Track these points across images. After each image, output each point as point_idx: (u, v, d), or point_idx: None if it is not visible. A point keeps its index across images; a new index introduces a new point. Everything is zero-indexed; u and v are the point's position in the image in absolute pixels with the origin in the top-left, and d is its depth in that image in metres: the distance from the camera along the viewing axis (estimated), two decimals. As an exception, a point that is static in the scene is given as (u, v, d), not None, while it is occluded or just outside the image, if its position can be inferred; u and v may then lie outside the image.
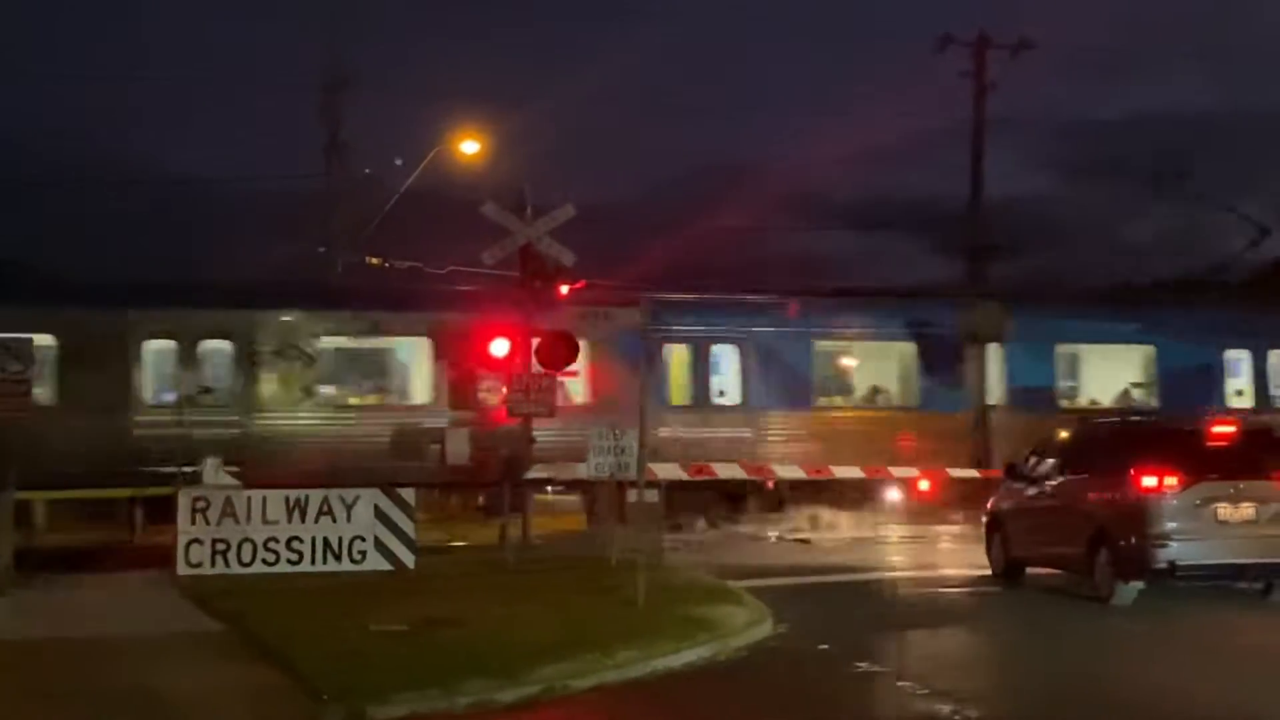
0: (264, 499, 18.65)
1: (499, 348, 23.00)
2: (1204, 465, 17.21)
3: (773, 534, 26.86)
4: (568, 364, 22.74)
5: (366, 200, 37.16)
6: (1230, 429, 18.09)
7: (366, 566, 18.57)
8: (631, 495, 18.80)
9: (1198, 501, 16.98)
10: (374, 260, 35.44)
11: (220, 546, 18.38)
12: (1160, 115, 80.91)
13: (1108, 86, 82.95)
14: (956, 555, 23.56)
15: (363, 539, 18.70)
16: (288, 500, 18.64)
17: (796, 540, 26.28)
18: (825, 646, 14.26)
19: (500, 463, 23.43)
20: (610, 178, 67.84)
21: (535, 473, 23.79)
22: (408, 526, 18.91)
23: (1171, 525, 16.90)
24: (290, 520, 18.58)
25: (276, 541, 18.49)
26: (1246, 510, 17.02)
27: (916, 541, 26.44)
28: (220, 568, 18.28)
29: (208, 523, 18.39)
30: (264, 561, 18.41)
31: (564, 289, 24.19)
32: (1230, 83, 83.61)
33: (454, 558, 21.89)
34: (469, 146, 32.24)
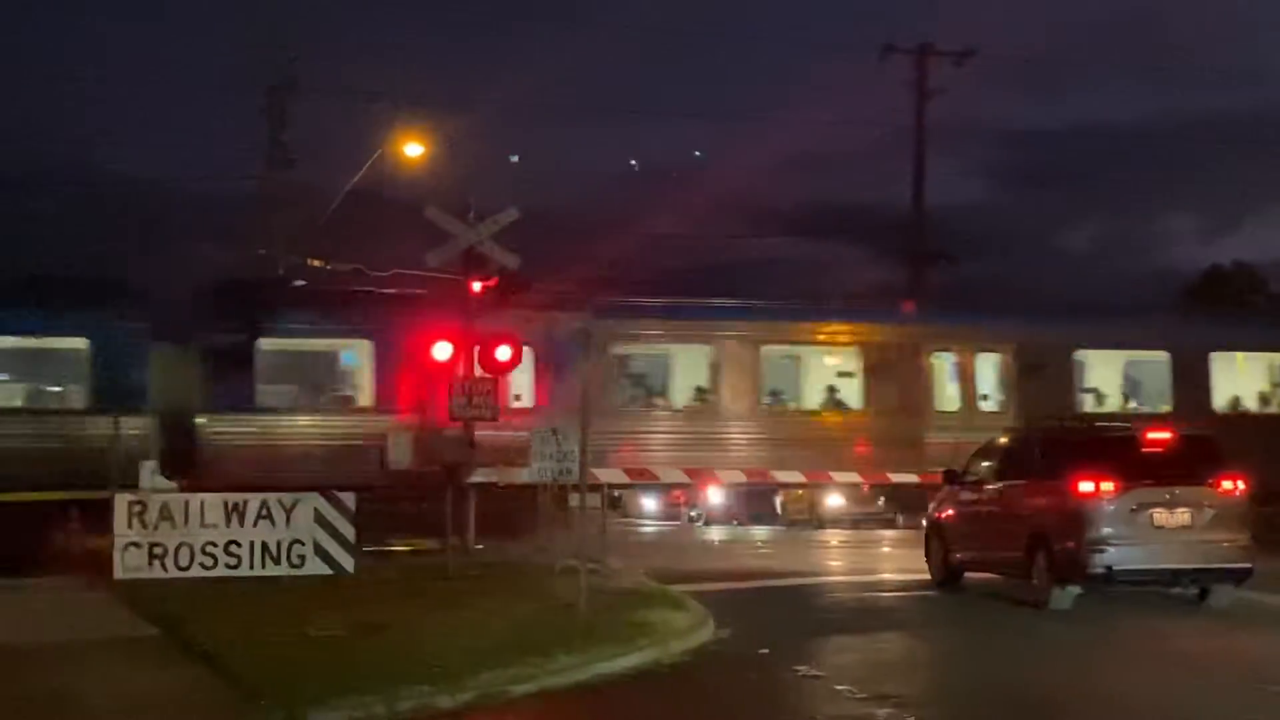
0: (202, 503, 18.48)
1: (442, 351, 22.90)
2: (1140, 471, 17.40)
3: (717, 536, 26.93)
4: (511, 368, 22.68)
5: (309, 203, 36.96)
6: (1166, 435, 18.29)
7: (305, 571, 18.43)
8: (574, 499, 18.75)
9: (1134, 507, 17.17)
10: (316, 262, 35.19)
11: (157, 550, 18.18)
12: (1099, 124, 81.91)
13: (1048, 95, 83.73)
14: (896, 560, 23.70)
15: (302, 543, 18.56)
16: (226, 504, 18.47)
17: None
18: (766, 651, 14.31)
19: (443, 468, 23.32)
20: (550, 181, 67.69)
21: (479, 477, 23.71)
22: (347, 531, 18.80)
23: (1108, 530, 17.08)
24: (229, 524, 18.41)
25: (214, 545, 18.32)
26: (1182, 516, 17.21)
27: (857, 546, 26.57)
28: (157, 572, 18.08)
29: (144, 526, 18.19)
30: (202, 565, 18.23)
31: (508, 292, 24.12)
32: (1166, 90, 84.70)
33: (395, 563, 21.78)
34: (412, 149, 32.09)
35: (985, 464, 20.08)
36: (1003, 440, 20.28)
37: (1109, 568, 17.02)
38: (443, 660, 12.40)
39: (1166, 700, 11.59)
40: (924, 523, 21.70)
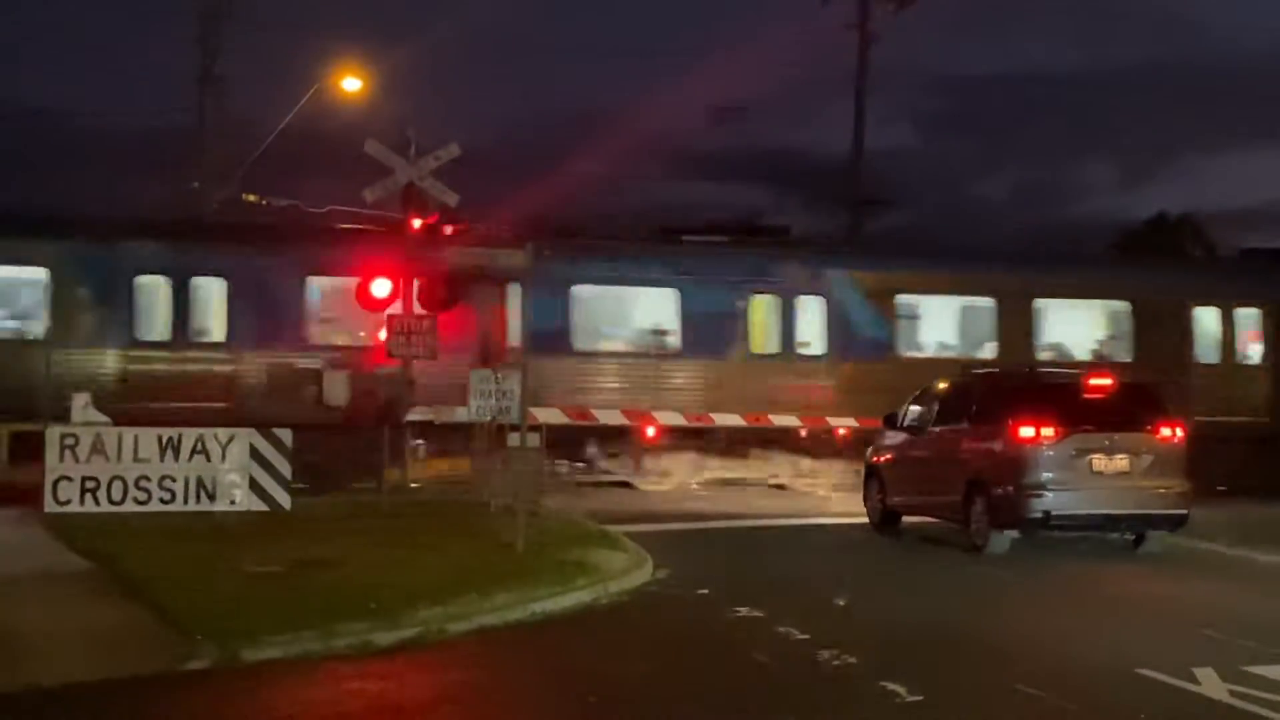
0: (135, 437, 18.19)
1: (380, 288, 22.66)
2: (1080, 417, 17.48)
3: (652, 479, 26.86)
4: (450, 306, 22.48)
5: (243, 137, 36.38)
6: (1107, 382, 18.37)
7: (241, 507, 18.24)
8: (513, 439, 18.62)
9: (1073, 452, 17.25)
10: (251, 197, 34.67)
11: (90, 484, 17.92)
12: (1028, 73, 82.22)
13: (980, 43, 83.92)
14: (836, 503, 23.76)
15: (237, 479, 18.36)
16: (160, 439, 18.21)
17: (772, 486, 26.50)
18: (705, 592, 14.28)
19: (379, 406, 23.13)
20: (486, 119, 67.30)
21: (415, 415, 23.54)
22: (283, 467, 18.60)
23: (1047, 475, 17.17)
24: (163, 459, 18.16)
25: (148, 480, 18.07)
26: (1121, 462, 17.32)
27: (796, 489, 26.61)
28: (90, 505, 17.83)
29: (77, 460, 17.92)
30: (135, 500, 17.98)
31: (447, 229, 23.90)
32: (1101, 39, 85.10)
33: (331, 500, 21.58)
34: (350, 84, 31.60)
35: (925, 408, 20.12)
36: (943, 385, 20.32)
37: (1046, 512, 17.12)
38: (380, 598, 12.29)
39: (1100, 642, 11.65)
40: (862, 467, 21.74)
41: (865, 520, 20.79)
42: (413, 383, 22.64)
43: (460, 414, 20.97)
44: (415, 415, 23.57)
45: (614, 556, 15.67)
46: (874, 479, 20.91)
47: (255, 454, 18.45)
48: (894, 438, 20.72)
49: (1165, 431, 17.61)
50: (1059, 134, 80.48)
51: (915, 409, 20.46)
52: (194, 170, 37.13)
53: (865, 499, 21.15)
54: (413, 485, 23.28)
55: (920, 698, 9.36)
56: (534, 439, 19.00)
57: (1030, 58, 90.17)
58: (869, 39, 39.75)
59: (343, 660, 10.67)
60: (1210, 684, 9.71)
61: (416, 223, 23.60)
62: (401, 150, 22.98)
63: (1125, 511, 17.37)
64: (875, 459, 21.12)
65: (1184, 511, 17.45)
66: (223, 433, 18.45)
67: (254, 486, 18.39)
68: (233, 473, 18.34)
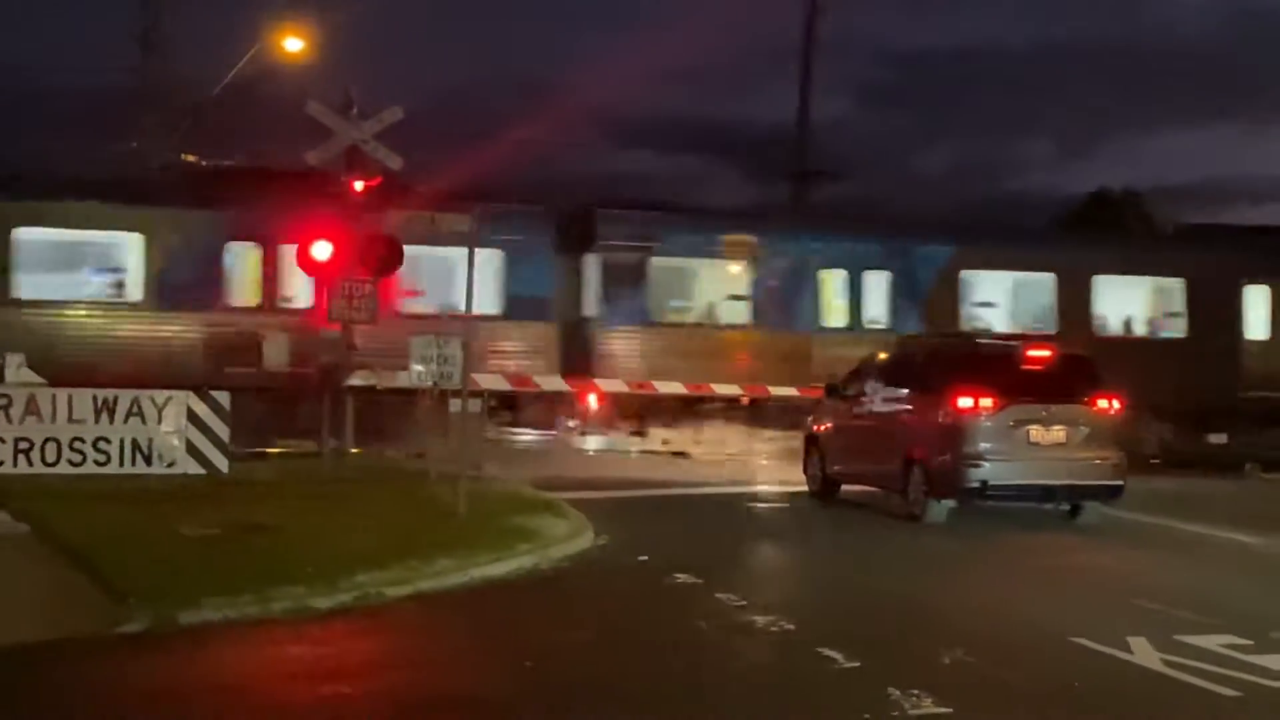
0: (70, 398, 18.04)
1: (320, 251, 22.42)
2: (1018, 388, 17.59)
3: (592, 446, 26.89)
4: (392, 270, 22.30)
5: (185, 97, 35.97)
6: (1045, 353, 18.49)
7: (177, 470, 18.13)
8: (454, 405, 18.57)
9: (1011, 423, 17.37)
10: (190, 157, 34.31)
11: (23, 445, 17.79)
12: (972, 48, 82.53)
13: (927, 17, 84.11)
14: (775, 471, 23.85)
15: (174, 442, 18.21)
16: (95, 400, 18.06)
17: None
18: (645, 558, 14.31)
19: (319, 369, 22.96)
20: (428, 83, 66.81)
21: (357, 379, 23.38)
22: (221, 430, 18.47)
23: (984, 446, 17.29)
24: (98, 420, 18.02)
25: (83, 442, 17.94)
26: (1058, 433, 17.47)
27: (737, 458, 26.69)
28: (23, 467, 17.68)
29: (10, 421, 17.75)
30: (69, 462, 17.85)
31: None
32: (1043, 17, 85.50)
33: (270, 464, 21.47)
34: (292, 44, 31.24)
35: (866, 379, 20.19)
36: (883, 355, 20.39)
37: (984, 482, 17.24)
38: (319, 562, 12.23)
39: (1036, 611, 11.76)
40: (803, 435, 21.82)
41: (805, 489, 20.88)
42: (353, 347, 22.46)
43: (401, 379, 20.86)
44: (356, 380, 23.41)
45: (555, 523, 15.66)
46: (814, 448, 20.99)
47: (193, 417, 18.33)
48: (834, 407, 20.79)
49: (1102, 403, 17.76)
50: (1000, 109, 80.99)
51: (857, 378, 20.53)
52: (134, 130, 36.71)
53: (805, 468, 21.24)
54: (353, 451, 23.14)
55: (857, 664, 9.42)
56: (475, 404, 18.96)
57: (975, 33, 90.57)
58: (816, 10, 39.80)
59: (280, 624, 10.62)
60: (1143, 653, 9.80)
61: (359, 185, 23.35)
62: (344, 112, 22.74)
63: (1061, 482, 17.52)
64: (815, 428, 21.19)
65: (1119, 482, 17.61)
66: (159, 395, 18.31)
67: (191, 450, 18.28)
68: (170, 435, 18.20)
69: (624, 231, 27.16)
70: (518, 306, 26.12)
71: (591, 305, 27.20)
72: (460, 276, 17.51)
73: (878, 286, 28.48)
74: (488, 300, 24.57)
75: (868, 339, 25.15)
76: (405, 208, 23.22)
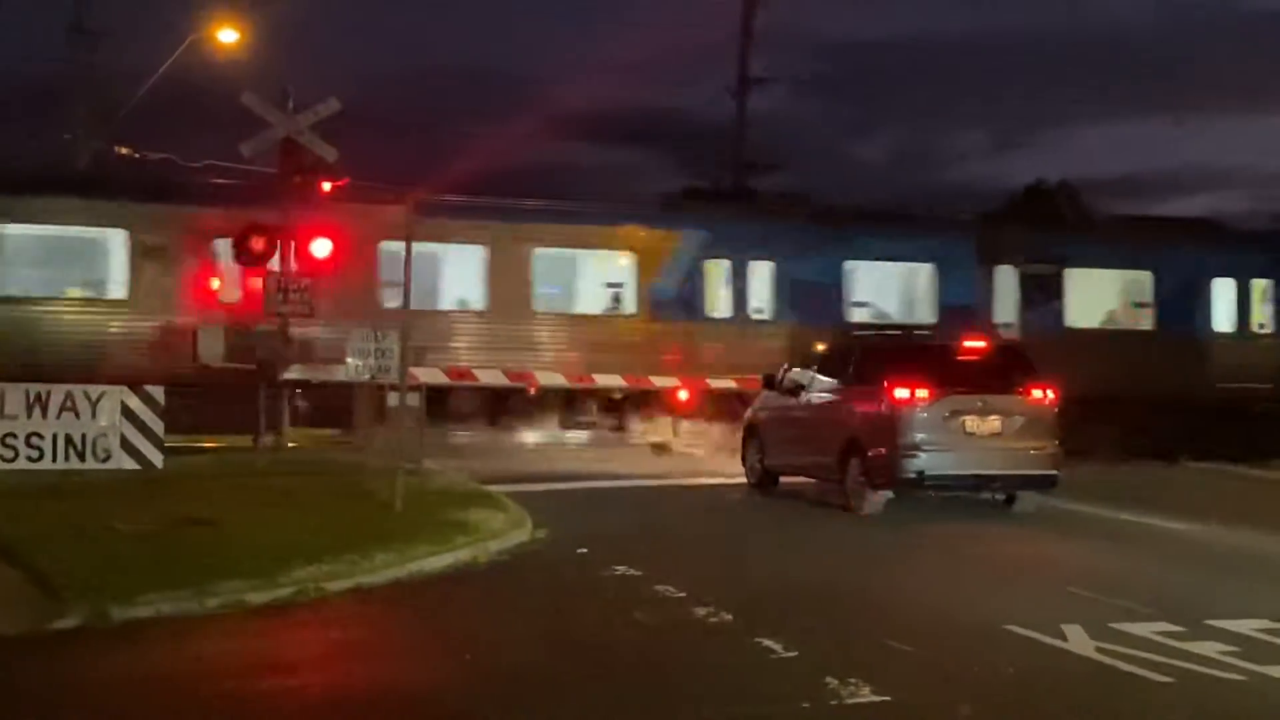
0: (2, 392, 17.78)
1: (259, 245, 22.25)
2: (954, 379, 17.74)
3: (530, 439, 26.85)
4: (328, 264, 22.19)
5: (117, 87, 35.52)
6: (980, 345, 18.65)
7: (112, 465, 17.91)
8: (392, 398, 18.49)
9: (947, 414, 17.51)
10: (124, 150, 33.90)
11: (-45, 442, 17.52)
12: (913, 38, 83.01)
13: (866, 8, 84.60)
14: (714, 463, 23.91)
15: (108, 437, 18.01)
16: (28, 395, 17.80)
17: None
18: (584, 550, 14.32)
19: (255, 364, 22.79)
20: (366, 75, 66.24)
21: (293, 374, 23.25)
22: (156, 425, 18.28)
23: (921, 436, 17.41)
24: (30, 415, 17.74)
25: (14, 437, 17.67)
26: (993, 423, 17.62)
27: (677, 450, 26.73)
28: (-47, 464, 17.42)
29: (-61, 417, 17.49)
30: (1, 458, 17.59)
31: (326, 186, 23.56)
32: (981, 8, 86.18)
33: (206, 459, 21.30)
34: (227, 35, 30.96)
35: (804, 370, 20.29)
36: (821, 347, 20.50)
37: (920, 473, 17.37)
38: (256, 557, 12.14)
39: (971, 599, 11.87)
40: (741, 427, 21.89)
41: (744, 480, 20.95)
42: (290, 341, 22.31)
43: (339, 373, 20.75)
44: (293, 374, 23.28)
45: (494, 516, 15.63)
46: (753, 439, 21.06)
47: (127, 411, 18.12)
48: (773, 399, 20.88)
49: (1036, 393, 17.93)
50: (938, 99, 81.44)
51: (794, 370, 20.63)
52: (67, 121, 36.21)
53: (744, 459, 21.31)
54: (290, 445, 23.01)
55: (794, 653, 9.47)
56: (414, 398, 18.88)
57: (913, 24, 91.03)
58: (755, 1, 39.84)
59: (217, 619, 10.56)
60: (1078, 641, 9.92)
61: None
62: (280, 104, 22.59)
63: (997, 472, 17.67)
64: (754, 419, 21.27)
65: (1054, 472, 17.79)
66: (93, 389, 18.10)
67: (125, 445, 18.06)
68: (104, 430, 18.00)
69: (1039, 245, 29.62)
70: (948, 315, 27.43)
71: (1009, 313, 28.91)
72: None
73: None
74: (924, 310, 28.31)
75: None
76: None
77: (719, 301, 27.82)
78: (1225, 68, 71.79)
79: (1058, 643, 9.90)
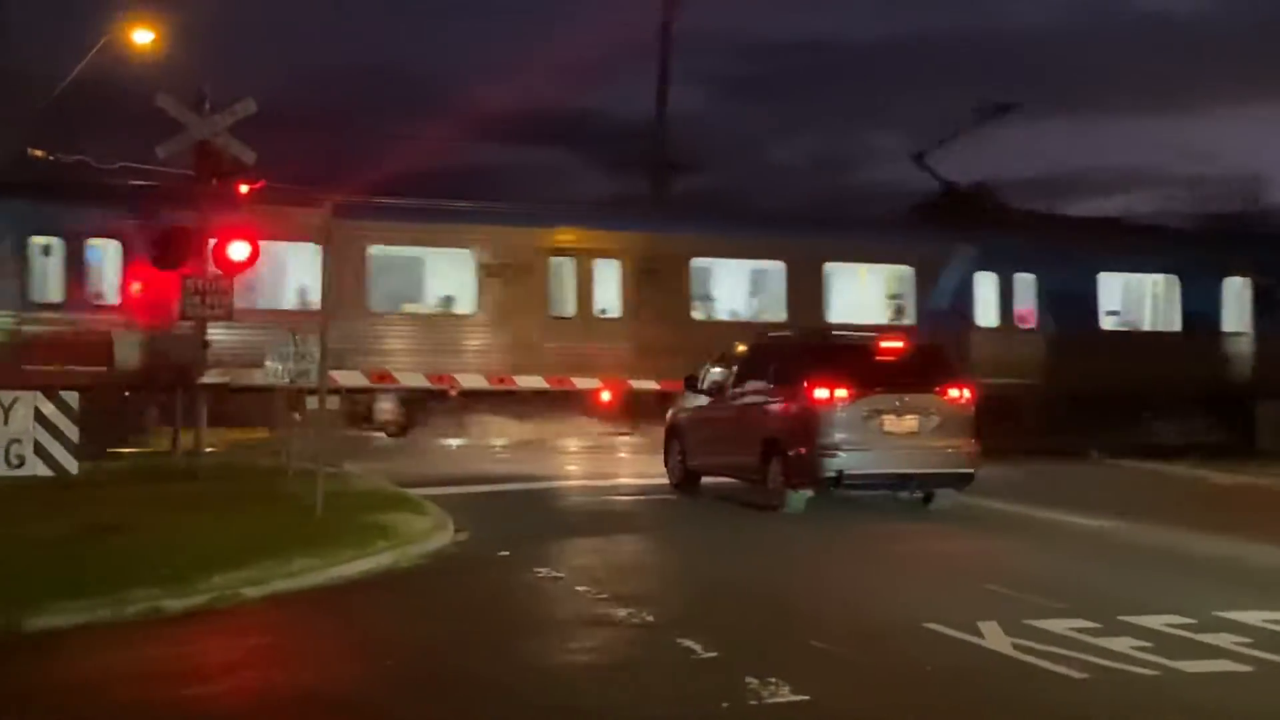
0: (-88, 400, 17.50)
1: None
2: (872, 379, 17.88)
3: (454, 442, 26.79)
4: (246, 266, 22.00)
5: (29, 89, 34.96)
6: (898, 345, 18.81)
7: (25, 472, 17.66)
8: (311, 402, 18.37)
9: (865, 413, 17.64)
10: (38, 153, 33.38)
11: None
12: (830, 39, 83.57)
13: (785, 10, 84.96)
14: (637, 464, 23.95)
15: (21, 443, 17.75)
16: (-62, 402, 17.53)
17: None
18: (506, 553, 14.30)
19: (172, 368, 22.58)
20: (282, 76, 65.67)
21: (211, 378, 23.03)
22: (70, 431, 18.04)
23: (840, 436, 17.53)
24: (-60, 422, 17.49)
25: (-74, 445, 17.41)
26: (910, 422, 17.77)
27: (597, 451, 26.77)
28: None
29: None
30: (-88, 466, 17.31)
31: (243, 188, 23.37)
32: (898, 10, 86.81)
33: (122, 465, 21.06)
34: (142, 36, 30.54)
35: (724, 370, 20.37)
36: (741, 348, 20.59)
37: (840, 472, 17.50)
38: (173, 563, 12.02)
39: (890, 598, 11.96)
40: (664, 428, 21.93)
41: (666, 481, 20.99)
42: (207, 344, 22.10)
43: (258, 376, 20.59)
44: (211, 378, 23.06)
45: (415, 519, 15.57)
46: (675, 440, 21.12)
47: (40, 417, 17.88)
48: (694, 399, 20.95)
49: (953, 393, 18.11)
50: (856, 101, 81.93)
51: (715, 371, 20.71)
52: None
53: (666, 460, 21.35)
54: (208, 449, 22.79)
55: (715, 653, 9.50)
56: (334, 401, 18.78)
57: (830, 25, 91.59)
58: (674, 2, 39.97)
59: (134, 627, 10.44)
60: (994, 637, 10.01)
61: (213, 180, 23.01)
62: (196, 106, 22.36)
63: (915, 470, 17.84)
64: (676, 420, 21.33)
65: (971, 470, 17.97)
66: (5, 395, 17.84)
67: (39, 451, 17.82)
68: (17, 437, 17.74)
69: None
70: (1191, 322, 31.22)
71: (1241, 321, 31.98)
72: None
73: None
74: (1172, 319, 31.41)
75: None
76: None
77: (989, 311, 30.44)
78: (1133, 69, 72.89)
79: (975, 640, 9.99)
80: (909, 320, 29.27)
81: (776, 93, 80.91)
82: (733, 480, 19.63)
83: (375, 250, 26.78)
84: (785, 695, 8.39)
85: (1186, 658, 9.39)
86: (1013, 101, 35.59)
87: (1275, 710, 8.43)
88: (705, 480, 20.41)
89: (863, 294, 30.21)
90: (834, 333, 22.50)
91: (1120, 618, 10.60)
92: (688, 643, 9.76)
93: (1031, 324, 30.56)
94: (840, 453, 17.47)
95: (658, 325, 27.58)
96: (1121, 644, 9.74)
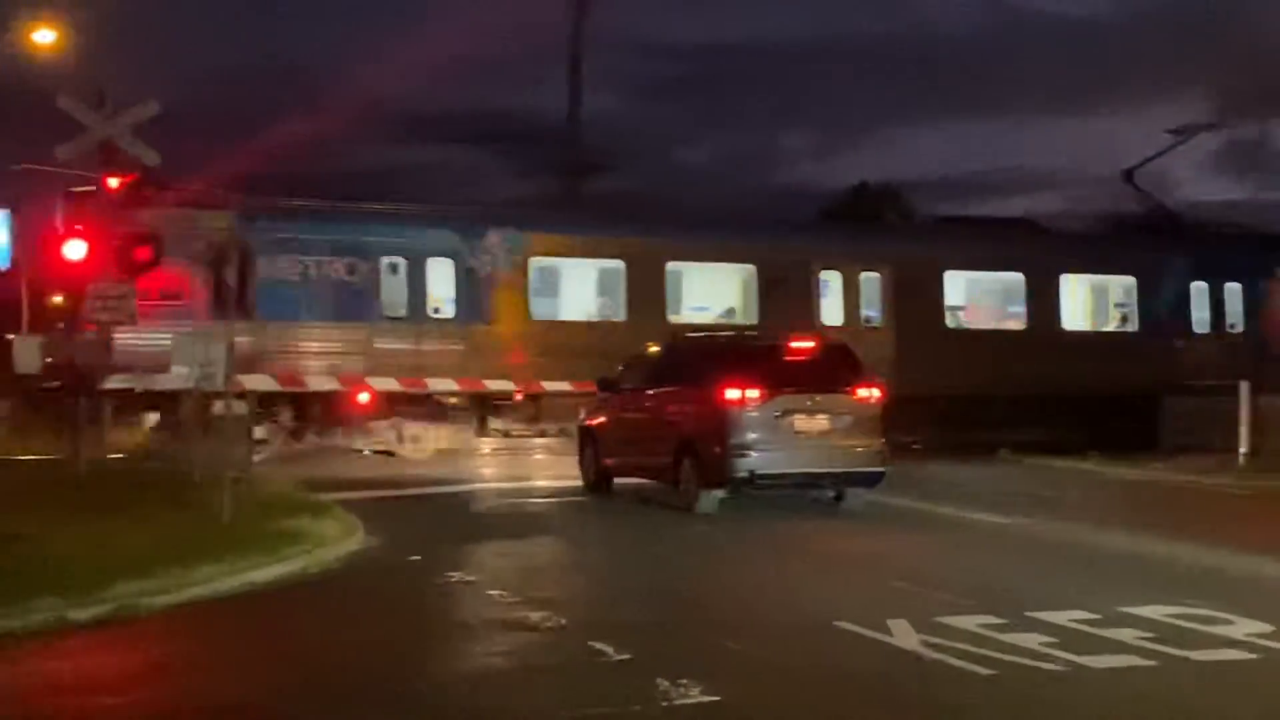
0: None
1: (74, 251, 21.67)
2: (783, 379, 17.97)
3: (364, 447, 26.60)
4: (149, 269, 21.68)
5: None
6: (809, 345, 18.92)
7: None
8: (218, 406, 18.15)
9: (777, 413, 17.73)
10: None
11: None
12: (743, 41, 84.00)
13: (697, 12, 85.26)
14: (549, 467, 23.91)
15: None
16: None
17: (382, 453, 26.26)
18: (417, 558, 14.21)
19: (74, 373, 22.19)
20: (190, 75, 65.02)
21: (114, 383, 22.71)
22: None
23: (752, 436, 17.61)
24: None
25: None
26: (821, 422, 17.89)
27: (510, 453, 26.70)
28: None
29: None
30: None
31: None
32: (814, 11, 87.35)
33: (21, 472, 20.69)
34: (43, 35, 30.01)
35: (638, 372, 20.39)
36: (654, 349, 20.62)
37: (751, 472, 17.58)
38: (76, 572, 11.80)
39: (802, 597, 12.03)
40: (577, 429, 21.93)
41: (579, 483, 20.97)
42: (109, 349, 21.77)
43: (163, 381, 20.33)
44: (115, 383, 22.73)
45: (324, 524, 15.42)
46: (589, 441, 21.11)
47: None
48: (608, 400, 20.96)
49: (863, 392, 18.25)
50: (768, 102, 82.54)
51: (629, 372, 20.73)
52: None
53: (580, 461, 21.34)
54: (111, 456, 22.46)
55: (628, 655, 9.49)
56: (241, 406, 18.56)
57: (743, 27, 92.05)
58: (585, 3, 39.97)
59: (37, 637, 10.22)
60: (903, 634, 10.09)
61: (113, 181, 22.63)
62: (97, 106, 21.99)
63: (826, 470, 17.95)
64: (589, 421, 21.33)
65: (881, 469, 18.12)
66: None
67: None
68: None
69: None
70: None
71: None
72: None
73: None
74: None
75: None
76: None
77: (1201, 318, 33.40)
78: (1041, 71, 73.83)
79: (884, 637, 10.06)
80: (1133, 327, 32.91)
81: (691, 94, 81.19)
82: (646, 480, 19.65)
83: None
84: (696, 696, 8.40)
85: (1092, 653, 9.50)
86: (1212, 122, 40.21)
87: (1179, 704, 8.56)
88: (619, 481, 20.41)
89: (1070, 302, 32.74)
90: (745, 333, 22.58)
91: (1027, 614, 10.72)
92: (600, 645, 9.75)
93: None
94: (752, 453, 17.55)
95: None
96: (1029, 640, 9.84)
